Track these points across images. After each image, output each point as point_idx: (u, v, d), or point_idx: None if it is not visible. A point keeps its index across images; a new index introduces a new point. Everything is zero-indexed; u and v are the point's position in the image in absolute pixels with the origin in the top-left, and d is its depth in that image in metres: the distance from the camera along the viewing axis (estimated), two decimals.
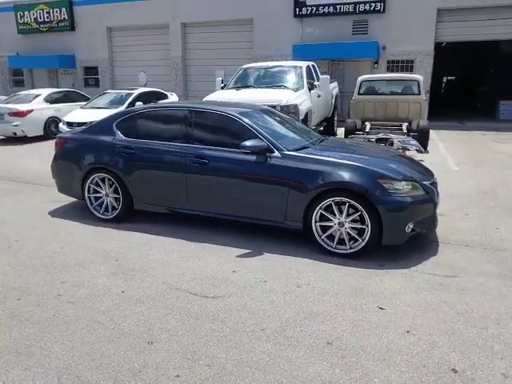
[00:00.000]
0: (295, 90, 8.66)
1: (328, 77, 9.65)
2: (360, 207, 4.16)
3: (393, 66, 15.62)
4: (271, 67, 9.92)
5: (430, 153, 9.85)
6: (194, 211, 5.07)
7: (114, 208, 5.50)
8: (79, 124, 11.82)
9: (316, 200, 4.33)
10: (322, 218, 4.39)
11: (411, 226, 4.21)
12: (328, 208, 4.35)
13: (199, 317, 3.26)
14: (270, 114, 5.58)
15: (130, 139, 5.34)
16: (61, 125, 12.46)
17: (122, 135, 5.43)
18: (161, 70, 19.42)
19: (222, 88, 9.91)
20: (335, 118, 12.17)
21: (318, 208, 4.34)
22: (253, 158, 4.63)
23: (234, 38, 17.72)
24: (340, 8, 15.46)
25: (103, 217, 5.55)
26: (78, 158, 5.59)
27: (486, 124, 14.86)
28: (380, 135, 9.28)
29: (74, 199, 6.21)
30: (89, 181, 5.53)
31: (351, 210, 4.27)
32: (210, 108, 5.18)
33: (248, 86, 9.22)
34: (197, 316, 3.27)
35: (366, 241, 4.22)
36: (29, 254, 4.53)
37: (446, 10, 14.74)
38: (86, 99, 14.73)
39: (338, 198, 4.26)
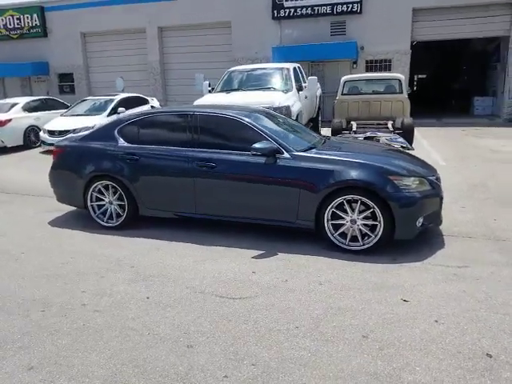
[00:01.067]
0: (285, 92, 8.75)
1: (316, 78, 9.78)
2: (372, 204, 4.27)
3: (371, 65, 15.94)
4: (258, 69, 9.96)
5: (416, 150, 10.07)
6: (203, 215, 5.08)
7: (118, 215, 5.45)
8: (61, 132, 11.61)
9: (328, 199, 4.42)
10: (334, 216, 4.48)
11: (421, 221, 4.35)
12: (339, 206, 4.44)
13: (231, 318, 3.30)
14: (270, 116, 5.64)
15: (134, 145, 5.30)
16: (41, 133, 12.22)
17: (124, 141, 5.38)
18: (138, 75, 19.21)
19: (210, 92, 9.91)
20: (319, 119, 12.33)
21: (329, 207, 4.43)
22: (262, 159, 4.67)
23: (213, 41, 17.68)
24: (318, 9, 15.68)
25: (107, 225, 5.49)
26: (79, 166, 5.51)
27: (462, 120, 15.35)
28: (368, 134, 9.46)
29: (72, 208, 6.11)
30: (91, 189, 5.46)
31: (362, 207, 4.38)
32: (214, 111, 5.21)
33: (237, 89, 9.23)
34: (228, 317, 3.31)
35: (378, 237, 4.34)
36: (40, 266, 4.46)
37: (421, 10, 15.16)
38: (65, 107, 14.48)
39: (349, 196, 4.36)
